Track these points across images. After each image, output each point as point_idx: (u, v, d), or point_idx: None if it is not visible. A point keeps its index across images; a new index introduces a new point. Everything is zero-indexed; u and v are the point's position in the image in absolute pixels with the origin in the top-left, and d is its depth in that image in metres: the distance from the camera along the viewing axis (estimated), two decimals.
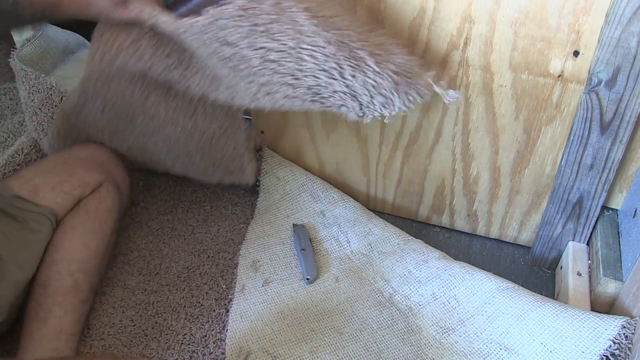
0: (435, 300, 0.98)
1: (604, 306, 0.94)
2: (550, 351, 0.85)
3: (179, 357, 0.92)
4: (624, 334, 0.81)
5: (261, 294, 1.01)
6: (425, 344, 0.93)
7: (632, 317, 0.84)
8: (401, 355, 0.92)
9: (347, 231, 1.11)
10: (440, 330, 0.95)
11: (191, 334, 0.96)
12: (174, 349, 0.94)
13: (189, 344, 0.94)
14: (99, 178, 1.01)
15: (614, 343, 0.81)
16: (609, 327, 0.83)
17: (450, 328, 0.95)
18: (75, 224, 0.96)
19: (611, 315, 0.85)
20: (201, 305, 1.00)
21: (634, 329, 0.82)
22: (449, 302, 0.97)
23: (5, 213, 0.89)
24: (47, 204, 0.93)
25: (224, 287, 1.03)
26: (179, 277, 1.05)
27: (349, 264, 1.07)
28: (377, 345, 0.93)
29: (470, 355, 0.90)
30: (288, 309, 0.98)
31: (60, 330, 0.89)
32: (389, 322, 0.97)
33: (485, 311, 0.94)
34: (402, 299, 1.00)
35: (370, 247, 1.08)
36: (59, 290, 0.91)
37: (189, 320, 0.98)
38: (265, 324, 0.96)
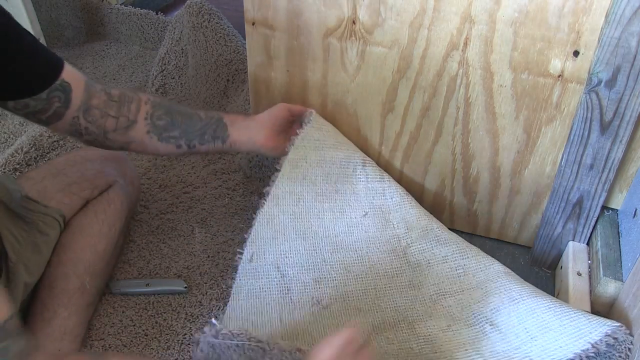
0: (444, 263, 1.00)
1: (604, 306, 0.94)
2: (531, 337, 0.86)
3: (179, 357, 0.92)
4: (606, 341, 0.81)
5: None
6: (420, 300, 0.96)
7: (628, 324, 0.84)
8: (394, 306, 0.94)
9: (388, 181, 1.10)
10: (439, 291, 0.97)
11: (191, 334, 0.96)
12: (174, 349, 0.94)
13: (189, 344, 0.94)
14: (109, 180, 1.01)
15: (593, 347, 0.81)
16: (594, 330, 0.83)
17: (448, 293, 0.97)
18: (83, 226, 0.95)
19: (603, 320, 0.85)
20: (201, 305, 1.00)
21: (625, 338, 0.82)
22: (456, 269, 0.99)
23: (15, 214, 0.88)
24: (55, 205, 0.93)
25: (224, 287, 1.03)
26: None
27: (382, 200, 1.06)
28: (375, 292, 0.95)
29: (457, 320, 0.92)
30: (310, 230, 0.99)
31: (64, 332, 0.89)
32: (394, 272, 0.99)
33: (486, 287, 0.96)
34: (415, 252, 1.01)
35: (403, 196, 1.08)
36: (65, 292, 0.91)
37: (189, 320, 0.98)
38: (285, 239, 0.96)
